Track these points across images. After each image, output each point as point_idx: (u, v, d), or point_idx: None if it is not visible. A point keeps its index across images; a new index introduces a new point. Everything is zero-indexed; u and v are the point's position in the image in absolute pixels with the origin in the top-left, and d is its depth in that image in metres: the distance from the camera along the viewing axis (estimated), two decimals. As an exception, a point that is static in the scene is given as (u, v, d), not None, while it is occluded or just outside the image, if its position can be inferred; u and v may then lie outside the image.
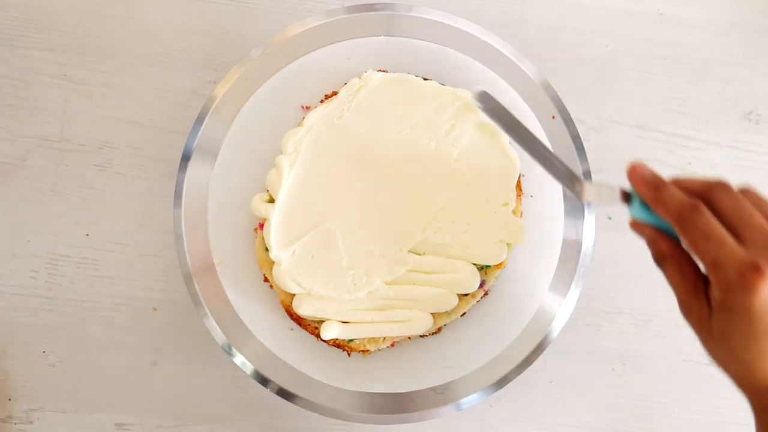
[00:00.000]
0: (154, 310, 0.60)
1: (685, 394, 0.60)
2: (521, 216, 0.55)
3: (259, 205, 0.52)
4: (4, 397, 0.59)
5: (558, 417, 0.59)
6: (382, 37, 0.56)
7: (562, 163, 0.43)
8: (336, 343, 0.52)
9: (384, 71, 0.55)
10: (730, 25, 0.65)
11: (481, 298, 0.54)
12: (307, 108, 0.54)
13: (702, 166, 0.63)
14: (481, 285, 0.53)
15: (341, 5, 0.60)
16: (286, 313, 0.53)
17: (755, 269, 0.33)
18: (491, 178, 0.53)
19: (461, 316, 0.54)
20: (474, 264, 0.53)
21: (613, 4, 0.65)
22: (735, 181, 0.67)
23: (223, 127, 0.55)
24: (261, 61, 0.55)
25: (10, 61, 0.62)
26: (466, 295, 0.53)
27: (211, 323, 0.52)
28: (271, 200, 0.52)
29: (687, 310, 0.38)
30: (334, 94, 0.55)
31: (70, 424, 0.59)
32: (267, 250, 0.51)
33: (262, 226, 0.52)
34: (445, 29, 0.56)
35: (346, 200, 0.52)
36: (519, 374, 0.51)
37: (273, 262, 0.51)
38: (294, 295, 0.51)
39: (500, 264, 0.54)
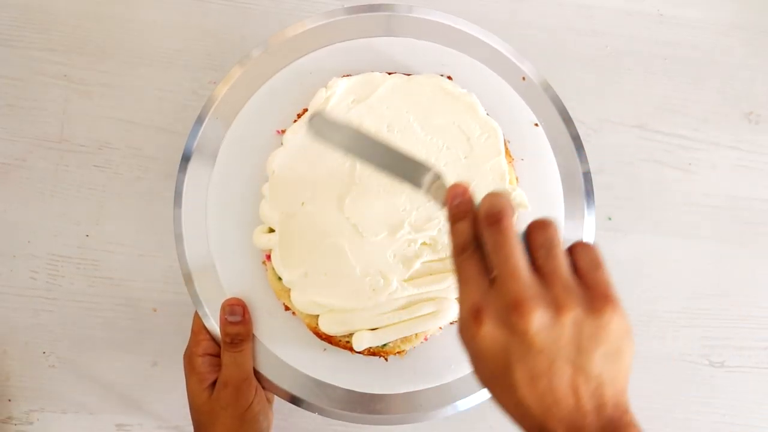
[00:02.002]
0: (154, 310, 0.60)
1: (685, 394, 0.60)
2: (517, 181, 0.54)
3: (261, 239, 0.52)
4: (4, 397, 0.59)
5: (558, 417, 0.59)
6: (382, 38, 0.56)
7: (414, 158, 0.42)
8: (371, 352, 0.52)
9: (348, 75, 0.54)
10: (730, 25, 0.65)
11: None
12: (282, 132, 0.54)
13: (702, 167, 0.63)
14: None
15: (341, 6, 0.60)
16: (315, 336, 0.53)
17: (476, 314, 0.34)
18: (480, 152, 0.52)
19: None
20: None
21: (613, 4, 0.65)
22: (735, 181, 0.67)
23: (223, 127, 0.54)
24: (261, 61, 0.55)
25: (10, 61, 0.62)
26: None
27: (212, 324, 0.52)
28: (271, 230, 0.52)
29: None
30: (305, 111, 0.54)
31: (70, 424, 0.59)
32: (280, 279, 0.51)
33: (269, 257, 0.52)
34: (445, 29, 0.56)
35: (343, 211, 0.51)
36: None
37: (289, 290, 0.51)
38: (318, 316, 0.51)
39: None
